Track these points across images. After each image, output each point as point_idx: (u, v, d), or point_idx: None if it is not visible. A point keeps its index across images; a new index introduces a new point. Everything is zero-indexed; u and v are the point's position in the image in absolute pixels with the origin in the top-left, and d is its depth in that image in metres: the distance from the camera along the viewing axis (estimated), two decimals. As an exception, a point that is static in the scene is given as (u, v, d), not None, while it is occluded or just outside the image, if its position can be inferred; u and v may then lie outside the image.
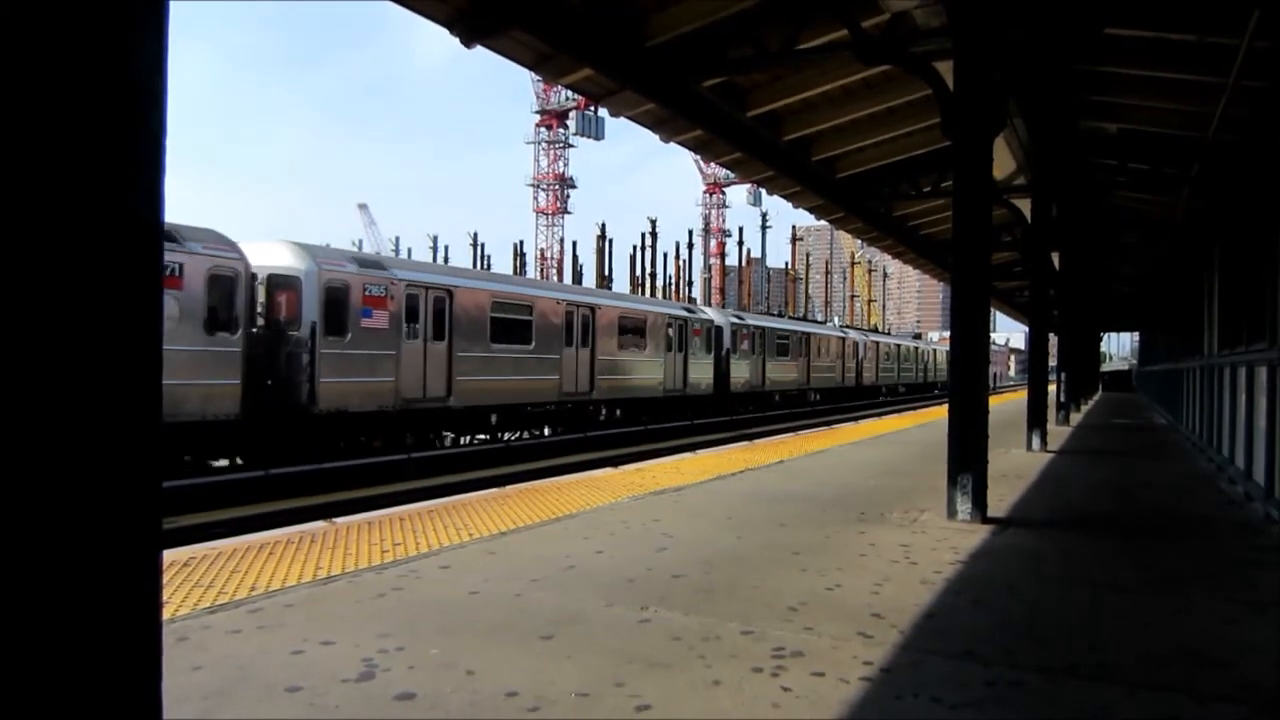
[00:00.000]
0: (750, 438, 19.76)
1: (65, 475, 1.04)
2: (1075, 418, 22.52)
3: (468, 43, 8.03)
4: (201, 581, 4.93)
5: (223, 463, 14.29)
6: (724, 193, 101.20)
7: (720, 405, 29.25)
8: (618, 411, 24.17)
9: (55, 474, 1.03)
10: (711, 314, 30.77)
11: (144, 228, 1.13)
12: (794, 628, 4.24)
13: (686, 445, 18.34)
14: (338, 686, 3.40)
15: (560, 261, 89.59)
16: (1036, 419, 13.91)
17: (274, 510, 11.38)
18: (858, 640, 4.07)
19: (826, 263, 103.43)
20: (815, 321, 54.71)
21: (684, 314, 27.89)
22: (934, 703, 3.34)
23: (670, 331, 26.31)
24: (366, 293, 15.63)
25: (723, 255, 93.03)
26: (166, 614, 4.20)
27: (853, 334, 46.18)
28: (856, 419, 26.54)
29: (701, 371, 28.12)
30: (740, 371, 31.12)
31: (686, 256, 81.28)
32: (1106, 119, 11.76)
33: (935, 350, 64.34)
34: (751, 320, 34.00)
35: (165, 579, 4.85)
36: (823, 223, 19.24)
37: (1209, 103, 9.14)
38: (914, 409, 32.79)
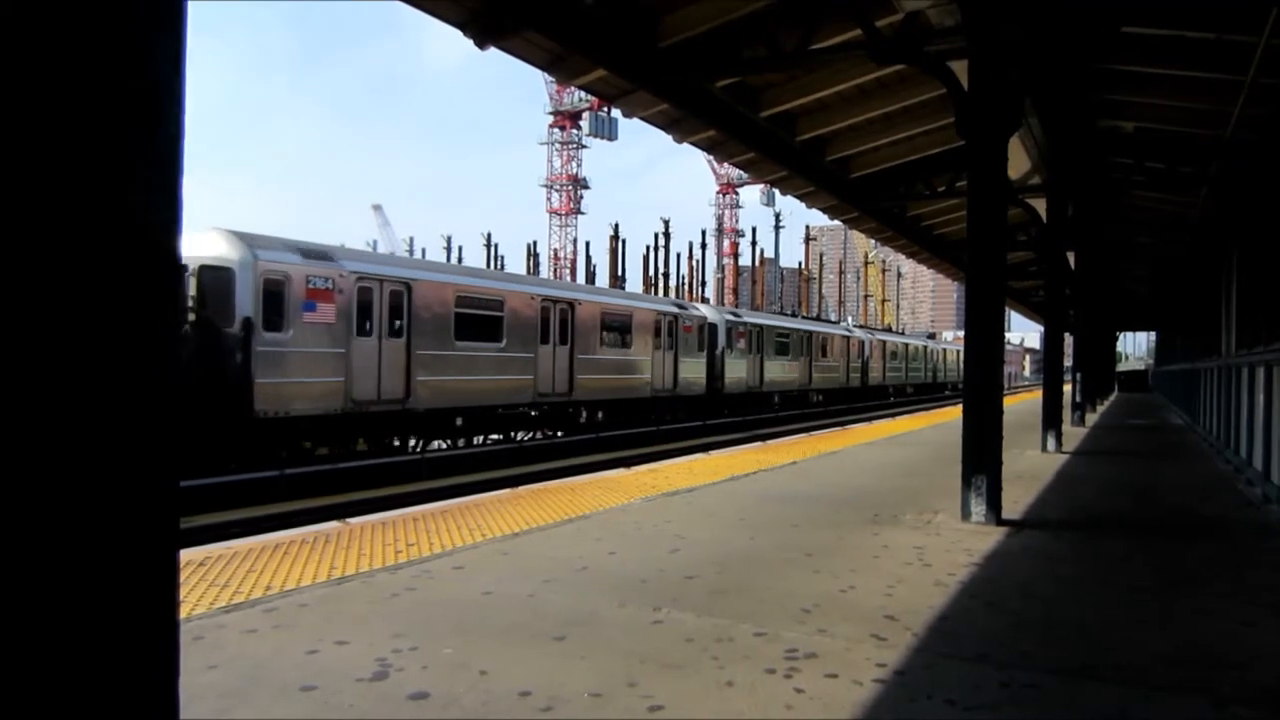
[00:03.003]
0: (761, 439, 19.72)
1: (87, 477, 1.04)
2: (1091, 418, 22.38)
3: (481, 44, 8.05)
4: (217, 581, 4.96)
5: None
6: (737, 193, 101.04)
7: (713, 407, 27.72)
8: (600, 414, 22.24)
9: (78, 475, 1.04)
10: (704, 310, 28.82)
11: (161, 227, 1.14)
12: (807, 629, 4.22)
13: (699, 446, 18.34)
14: (352, 686, 3.41)
15: (574, 262, 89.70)
16: (1052, 420, 13.83)
17: (288, 510, 11.44)
18: (871, 642, 4.05)
19: (840, 263, 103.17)
20: (828, 321, 53.61)
21: (674, 310, 26.07)
22: (948, 705, 3.32)
23: (659, 329, 24.65)
24: (310, 285, 14.20)
25: (736, 255, 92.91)
26: (183, 613, 4.23)
27: (857, 332, 44.38)
28: (870, 419, 26.09)
29: (693, 371, 26.45)
30: (736, 371, 29.43)
31: (700, 256, 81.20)
32: (1123, 118, 11.69)
33: (945, 350, 62.14)
34: (749, 317, 32.24)
35: (182, 578, 4.88)
36: (836, 223, 19.19)
37: (1227, 101, 9.07)
38: (927, 409, 32.53)
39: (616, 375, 22.58)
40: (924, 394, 52.44)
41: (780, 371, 33.07)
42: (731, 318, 30.02)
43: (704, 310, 28.79)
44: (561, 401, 20.43)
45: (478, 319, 18.00)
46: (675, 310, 26.18)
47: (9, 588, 0.98)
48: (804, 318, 48.29)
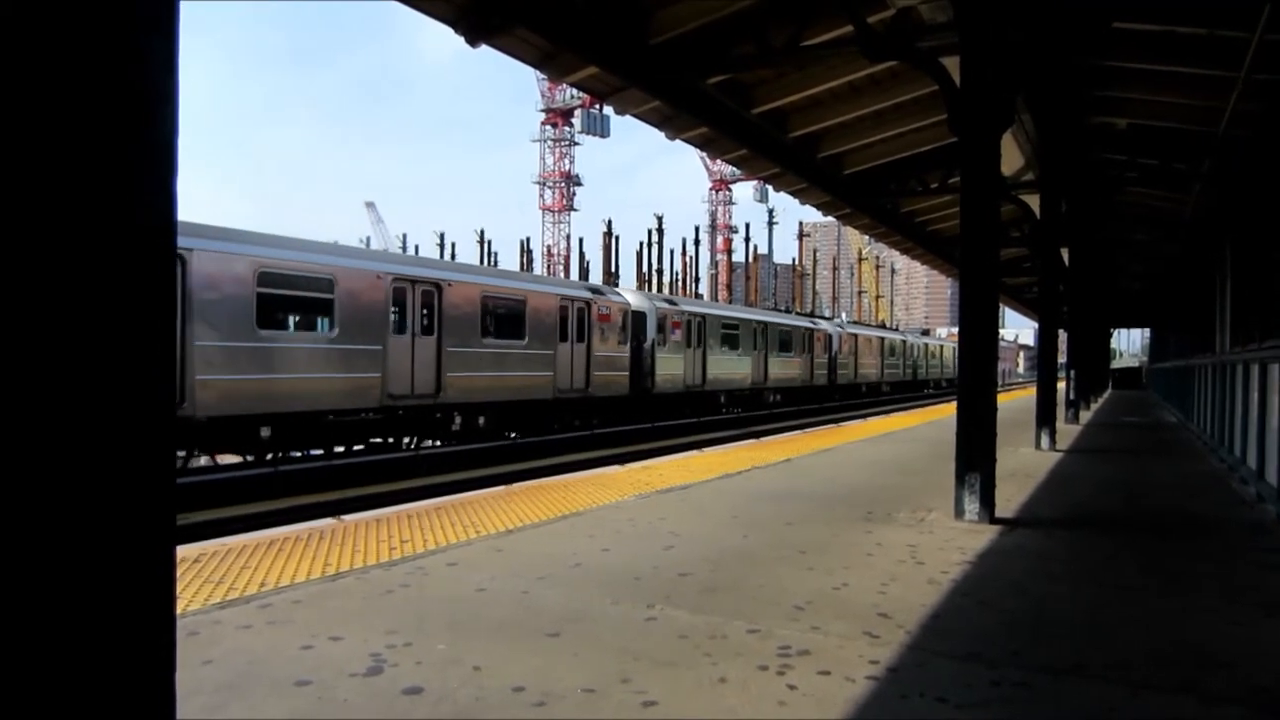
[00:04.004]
0: (755, 435, 19.75)
1: (86, 474, 1.06)
2: (1085, 416, 22.45)
3: (472, 41, 8.05)
4: (212, 577, 4.97)
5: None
6: (730, 189, 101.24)
7: (640, 410, 23.97)
8: (480, 419, 18.23)
9: (75, 473, 1.05)
10: (629, 296, 25.09)
11: (156, 229, 1.15)
12: (800, 627, 4.24)
13: (693, 443, 18.36)
14: (346, 681, 3.42)
15: (567, 259, 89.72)
16: (1045, 417, 13.87)
17: (283, 507, 11.43)
18: (864, 640, 4.07)
19: (834, 259, 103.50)
20: (822, 317, 51.94)
21: (585, 295, 22.06)
22: (940, 703, 3.34)
23: (565, 317, 20.71)
24: None
25: (729, 252, 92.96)
26: (179, 608, 4.22)
27: (824, 324, 40.25)
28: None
29: (612, 368, 22.45)
30: (670, 367, 25.63)
31: (693, 253, 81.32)
32: (1116, 114, 11.72)
33: (927, 345, 57.99)
34: (687, 305, 28.48)
35: (178, 574, 4.87)
36: (830, 219, 19.22)
37: (1220, 97, 9.10)
38: (924, 406, 32.54)
39: (503, 373, 18.62)
40: (901, 393, 48.86)
41: (727, 368, 29.27)
42: (665, 305, 26.42)
43: (628, 296, 25.16)
44: (424, 405, 16.65)
45: (295, 303, 14.61)
46: (587, 295, 22.14)
47: (9, 584, 0.99)
48: (797, 314, 46.49)
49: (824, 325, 39.68)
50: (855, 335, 42.90)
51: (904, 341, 52.32)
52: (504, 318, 18.92)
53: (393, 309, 15.97)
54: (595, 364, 21.77)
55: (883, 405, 36.70)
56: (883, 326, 65.05)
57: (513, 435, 19.45)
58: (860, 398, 41.37)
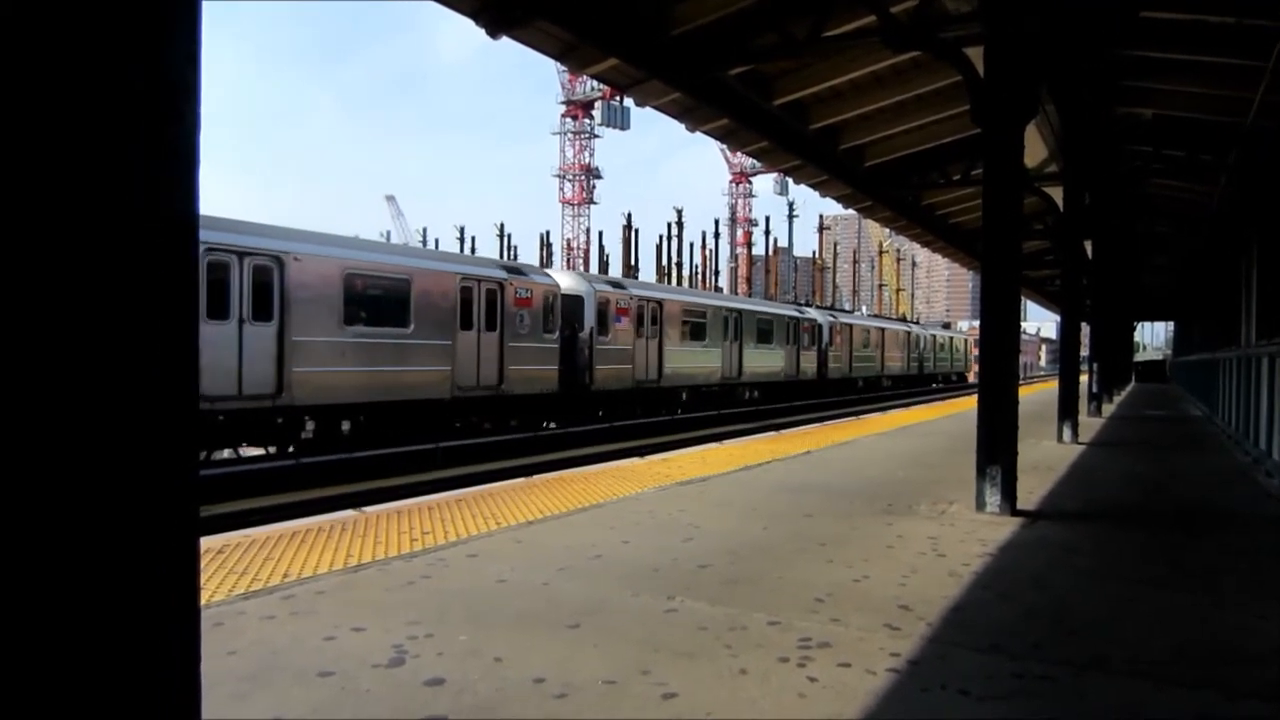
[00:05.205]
0: (776, 428, 19.72)
1: (113, 468, 1.07)
2: (1108, 409, 22.23)
3: (493, 33, 8.06)
4: (236, 568, 5.02)
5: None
6: (750, 182, 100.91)
7: (571, 409, 20.84)
8: (345, 424, 15.17)
9: (104, 466, 1.06)
10: (560, 278, 21.54)
11: (180, 222, 1.16)
12: (820, 619, 4.23)
13: (712, 436, 18.37)
14: (368, 672, 3.45)
15: (586, 251, 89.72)
16: (1068, 410, 13.75)
17: (305, 499, 11.54)
18: (884, 632, 4.06)
19: (854, 252, 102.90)
20: (842, 310, 50.98)
21: (498, 275, 18.45)
22: (961, 695, 3.33)
23: (469, 301, 17.47)
24: None
25: (749, 245, 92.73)
26: (203, 599, 4.28)
27: (813, 312, 36.48)
28: (885, 409, 24.80)
29: (533, 361, 19.05)
30: (614, 360, 22.07)
31: (713, 246, 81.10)
32: (1142, 105, 11.58)
33: (935, 336, 53.66)
34: (637, 289, 24.56)
35: (202, 565, 4.93)
36: (850, 211, 19.07)
37: (1248, 87, 8.97)
38: (944, 399, 32.25)
39: (377, 368, 15.55)
40: (906, 388, 45.16)
41: (690, 361, 25.77)
42: (607, 288, 22.72)
43: (559, 277, 21.55)
44: (258, 409, 13.67)
45: None
46: (500, 275, 18.55)
47: (39, 575, 1.00)
48: (818, 307, 44.86)
49: (813, 314, 36.19)
50: (850, 325, 39.21)
51: (907, 332, 48.23)
52: (379, 301, 15.77)
53: (221, 293, 13.08)
54: (511, 356, 18.40)
55: (880, 402, 33.90)
56: (880, 316, 61.38)
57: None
58: (856, 393, 38.28)
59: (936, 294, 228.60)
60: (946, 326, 69.02)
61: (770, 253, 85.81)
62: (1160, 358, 60.53)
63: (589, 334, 21.40)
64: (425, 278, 16.56)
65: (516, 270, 19.70)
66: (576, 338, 21.11)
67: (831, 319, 37.34)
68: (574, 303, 21.24)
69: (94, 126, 1.05)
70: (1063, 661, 3.72)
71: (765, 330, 30.71)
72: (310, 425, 14.52)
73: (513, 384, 18.52)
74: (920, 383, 48.59)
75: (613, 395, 22.28)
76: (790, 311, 34.05)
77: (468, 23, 7.94)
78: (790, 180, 15.62)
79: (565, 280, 21.53)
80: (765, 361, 30.54)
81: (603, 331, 21.84)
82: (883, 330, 43.97)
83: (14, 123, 0.98)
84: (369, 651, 3.66)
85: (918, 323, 63.85)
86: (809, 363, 34.05)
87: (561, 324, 20.11)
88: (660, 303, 24.50)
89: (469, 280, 17.56)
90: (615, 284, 23.87)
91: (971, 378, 57.83)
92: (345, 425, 15.20)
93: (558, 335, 19.95)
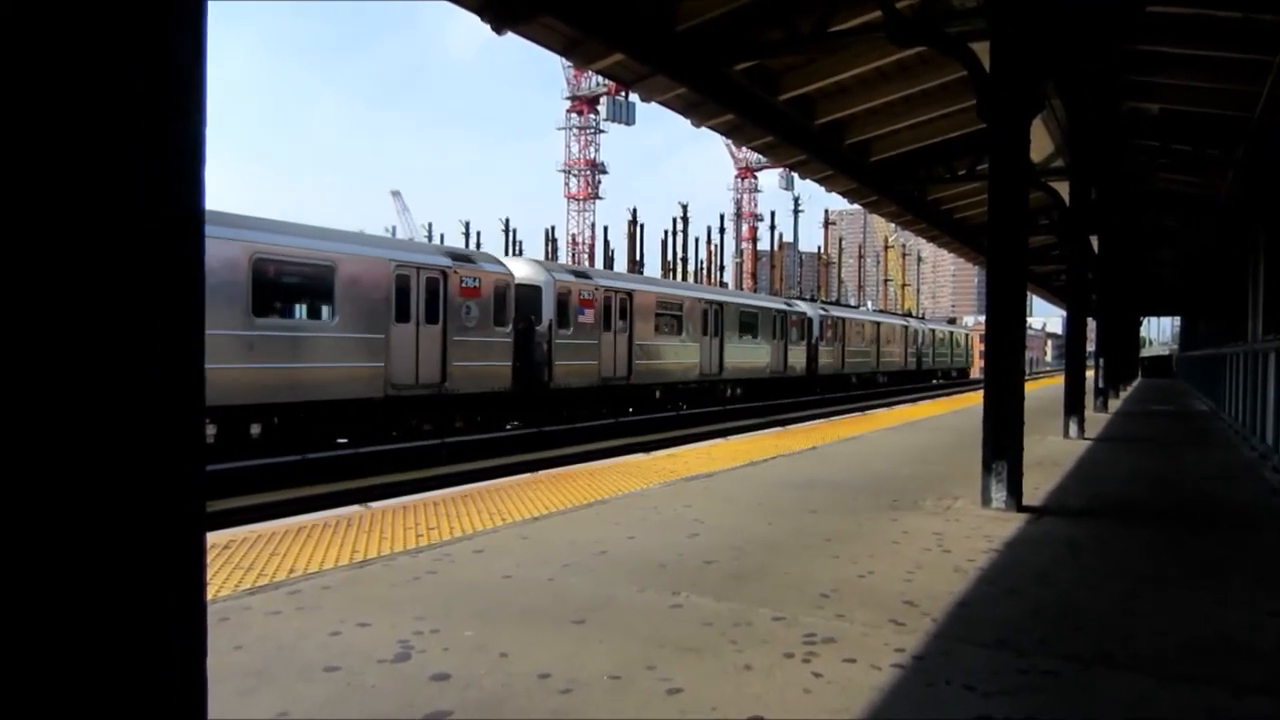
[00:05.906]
0: (783, 424, 19.70)
1: (120, 464, 1.07)
2: (1114, 404, 22.16)
3: (498, 29, 8.05)
4: (242, 564, 5.03)
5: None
6: (755, 177, 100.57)
7: (527, 408, 19.36)
8: (254, 428, 13.66)
9: (111, 462, 1.06)
10: (516, 266, 19.85)
11: (186, 217, 1.16)
12: (826, 614, 4.23)
13: (719, 431, 18.36)
14: (374, 667, 3.46)
15: (591, 247, 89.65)
16: (1074, 405, 13.72)
17: (311, 494, 11.56)
18: (890, 628, 4.06)
19: (860, 247, 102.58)
20: (847, 305, 50.29)
21: (440, 262, 16.85)
22: (967, 691, 3.32)
23: (407, 290, 15.88)
24: None
25: (754, 240, 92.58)
26: (209, 595, 4.29)
27: (802, 305, 34.71)
28: (891, 405, 24.48)
29: (481, 356, 17.46)
30: (576, 356, 20.50)
31: (718, 241, 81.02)
32: (1148, 99, 11.54)
33: (934, 330, 52.30)
34: (604, 280, 22.96)
35: (208, 561, 4.95)
36: (856, 206, 19.05)
37: (1255, 82, 8.93)
38: (949, 395, 32.18)
39: (292, 364, 13.89)
40: (902, 383, 43.92)
41: (664, 356, 24.28)
42: (569, 278, 21.15)
43: (514, 265, 19.97)
44: None
45: None
46: (443, 262, 16.95)
47: (45, 570, 1.00)
48: (824, 302, 43.11)
49: (802, 307, 34.37)
50: (842, 320, 37.10)
51: (905, 327, 46.36)
52: (296, 290, 14.49)
53: None
54: (455, 351, 16.76)
55: (879, 399, 33.12)
56: (885, 311, 60.26)
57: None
58: (849, 389, 37.08)
59: (942, 289, 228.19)
60: (952, 322, 68.47)
61: (775, 248, 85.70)
62: (1167, 353, 60.35)
63: (548, 327, 19.79)
64: (352, 264, 14.87)
65: (463, 257, 18.23)
66: (533, 331, 19.51)
67: (822, 312, 35.76)
68: (531, 293, 19.63)
69: (98, 123, 1.05)
70: (1069, 657, 3.71)
71: (749, 324, 29.12)
72: (212, 429, 12.95)
73: (458, 382, 16.91)
74: (919, 379, 47.23)
75: (575, 394, 20.72)
76: (777, 304, 32.57)
77: (474, 18, 7.95)
78: (796, 175, 15.59)
79: (520, 269, 19.98)
80: (749, 357, 29.05)
81: (564, 324, 20.22)
82: (878, 324, 42.27)
83: (18, 120, 0.98)
84: (375, 647, 3.67)
85: (920, 317, 63.26)
86: (797, 358, 32.45)
87: (516, 316, 18.67)
88: (630, 294, 22.79)
89: (405, 268, 15.89)
90: (578, 273, 22.43)
91: (974, 374, 57.63)
92: (255, 429, 13.70)
93: (511, 329, 18.44)
